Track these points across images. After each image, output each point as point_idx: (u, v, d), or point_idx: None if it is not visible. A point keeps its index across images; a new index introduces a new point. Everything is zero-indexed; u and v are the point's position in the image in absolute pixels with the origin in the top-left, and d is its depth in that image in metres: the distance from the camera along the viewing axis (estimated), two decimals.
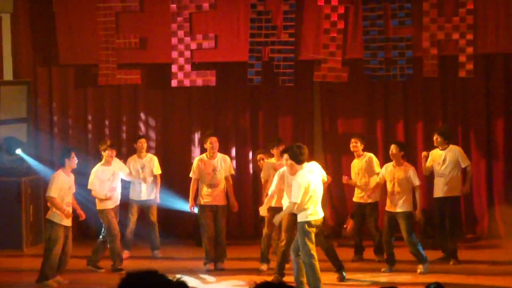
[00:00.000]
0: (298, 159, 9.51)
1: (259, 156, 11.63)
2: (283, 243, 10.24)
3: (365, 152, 11.70)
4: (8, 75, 13.81)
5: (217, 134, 11.86)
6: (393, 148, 10.99)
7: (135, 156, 12.30)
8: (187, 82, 13.22)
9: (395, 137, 13.18)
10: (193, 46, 13.17)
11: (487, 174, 13.18)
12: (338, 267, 10.31)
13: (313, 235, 9.42)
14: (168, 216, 12.86)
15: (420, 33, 12.58)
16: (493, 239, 12.78)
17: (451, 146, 11.51)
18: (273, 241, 11.04)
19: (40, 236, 13.21)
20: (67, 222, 10.64)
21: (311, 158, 11.66)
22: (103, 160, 11.53)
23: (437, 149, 11.51)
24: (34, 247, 12.92)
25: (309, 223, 9.39)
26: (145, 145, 12.28)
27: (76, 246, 11.49)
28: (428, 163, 11.52)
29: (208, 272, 11.07)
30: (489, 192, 13.17)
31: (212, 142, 11.28)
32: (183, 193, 12.06)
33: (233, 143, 13.72)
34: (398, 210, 10.84)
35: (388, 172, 10.99)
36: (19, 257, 12.53)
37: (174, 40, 13.19)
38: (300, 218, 9.43)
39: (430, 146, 12.55)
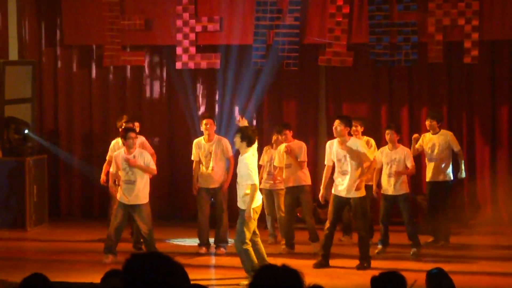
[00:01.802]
0: (250, 141, 9.46)
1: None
2: (327, 227, 10.33)
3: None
4: (13, 55, 13.84)
5: (213, 116, 11.81)
6: (391, 133, 11.02)
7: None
8: (191, 65, 13.22)
9: (399, 122, 13.18)
10: (198, 28, 13.17)
11: (491, 161, 13.19)
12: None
13: (255, 223, 9.44)
14: (171, 198, 12.90)
15: (426, 18, 12.56)
16: (496, 225, 12.80)
17: (442, 130, 11.62)
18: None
19: (44, 216, 13.27)
20: (125, 200, 10.41)
21: (315, 142, 11.75)
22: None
23: (429, 133, 11.62)
24: (37, 227, 12.97)
25: (254, 210, 9.37)
26: None
27: (80, 227, 11.56)
28: (417, 145, 11.63)
29: (199, 255, 11.04)
30: (492, 178, 13.17)
31: (207, 124, 11.08)
32: (188, 176, 12.09)
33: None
34: (398, 193, 10.90)
35: (384, 155, 11.03)
36: (23, 237, 12.57)
37: (179, 22, 13.18)
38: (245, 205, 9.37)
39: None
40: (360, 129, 11.44)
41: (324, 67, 13.30)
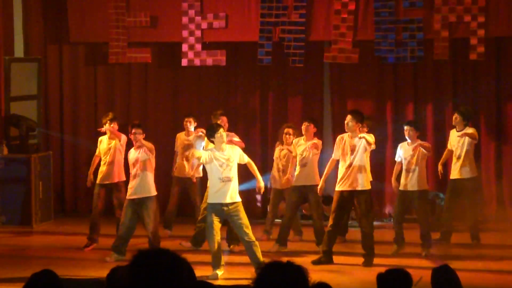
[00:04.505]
0: None
1: (286, 130, 11.57)
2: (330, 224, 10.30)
3: None
4: (19, 52, 13.86)
5: (226, 113, 11.85)
6: (410, 129, 10.88)
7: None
8: (197, 62, 13.23)
9: (404, 119, 13.16)
10: (204, 25, 13.18)
11: (496, 157, 13.17)
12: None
13: None
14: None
15: (431, 15, 12.55)
16: (501, 222, 12.78)
17: (468, 127, 11.50)
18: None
19: (49, 213, 13.30)
20: (134, 195, 10.48)
21: (320, 139, 11.71)
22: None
23: (454, 129, 11.52)
24: (43, 223, 13.01)
25: None
26: None
27: (85, 224, 11.57)
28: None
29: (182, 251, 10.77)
30: (498, 175, 13.16)
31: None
32: None
33: (242, 123, 13.74)
34: (415, 188, 10.78)
35: (403, 150, 10.95)
36: (29, 234, 12.60)
37: (184, 19, 13.19)
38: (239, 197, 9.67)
39: (439, 128, 12.57)
40: (365, 129, 11.35)
41: (329, 64, 13.30)
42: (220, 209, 9.52)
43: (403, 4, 12.62)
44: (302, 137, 11.26)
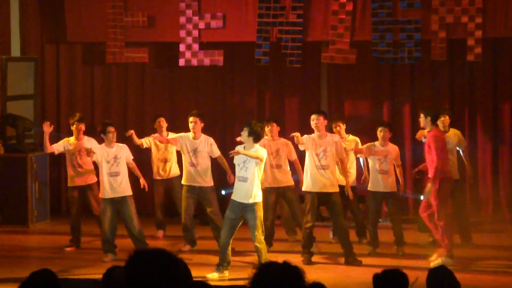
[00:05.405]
0: (257, 137, 9.54)
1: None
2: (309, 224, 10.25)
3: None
4: (15, 51, 13.83)
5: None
6: (384, 131, 10.89)
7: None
8: (194, 62, 13.23)
9: (401, 119, 13.19)
10: (201, 25, 13.18)
11: (493, 158, 13.19)
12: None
13: None
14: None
15: (429, 16, 12.56)
16: (497, 223, 12.79)
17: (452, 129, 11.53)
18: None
19: (45, 212, 13.28)
20: (110, 194, 10.45)
21: None
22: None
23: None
24: (39, 223, 13.00)
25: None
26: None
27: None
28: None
29: (180, 252, 10.60)
30: (494, 176, 13.17)
31: (192, 121, 10.85)
32: None
33: (239, 123, 13.72)
34: (387, 190, 10.82)
35: (375, 151, 10.92)
36: (25, 233, 12.59)
37: (182, 19, 13.19)
38: (259, 198, 9.56)
39: None
40: (343, 126, 11.30)
41: (326, 64, 13.31)
42: (236, 207, 9.58)
43: (400, 5, 12.62)
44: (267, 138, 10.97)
